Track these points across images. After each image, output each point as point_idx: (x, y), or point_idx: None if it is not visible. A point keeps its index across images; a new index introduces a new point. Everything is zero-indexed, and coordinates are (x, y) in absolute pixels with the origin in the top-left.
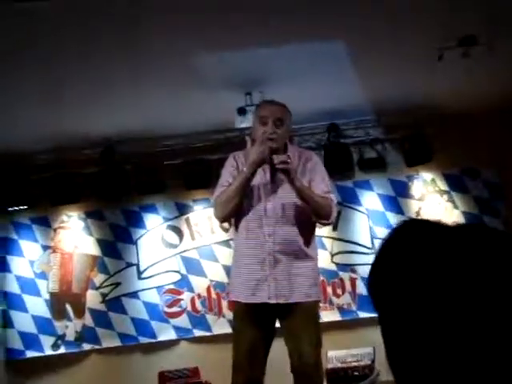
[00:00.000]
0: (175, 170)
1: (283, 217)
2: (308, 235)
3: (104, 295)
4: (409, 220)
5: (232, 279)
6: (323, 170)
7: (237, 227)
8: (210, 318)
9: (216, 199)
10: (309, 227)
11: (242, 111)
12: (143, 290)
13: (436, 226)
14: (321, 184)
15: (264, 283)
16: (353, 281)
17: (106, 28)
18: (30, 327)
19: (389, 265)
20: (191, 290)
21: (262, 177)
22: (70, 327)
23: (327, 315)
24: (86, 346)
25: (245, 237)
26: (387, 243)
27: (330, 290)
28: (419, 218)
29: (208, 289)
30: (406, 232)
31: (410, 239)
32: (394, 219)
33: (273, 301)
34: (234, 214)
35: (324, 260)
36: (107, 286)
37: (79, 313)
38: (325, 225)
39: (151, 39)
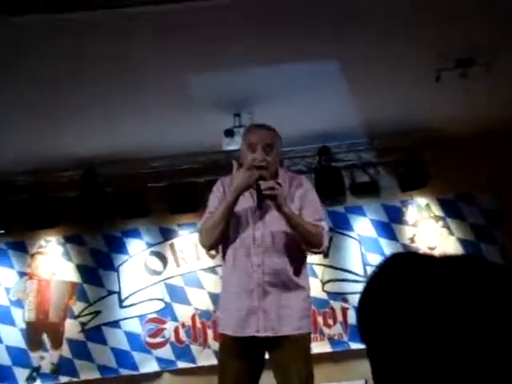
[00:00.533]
0: (159, 193)
1: (272, 246)
2: (299, 264)
3: (83, 324)
4: (399, 252)
5: (220, 310)
6: (315, 196)
7: (224, 256)
8: (194, 348)
9: (201, 226)
10: (299, 256)
11: (229, 133)
12: (125, 319)
13: (425, 259)
14: (312, 211)
15: (253, 315)
16: (344, 310)
17: (89, 47)
18: (4, 359)
19: (377, 297)
20: (175, 319)
21: (250, 203)
22: (47, 359)
23: (317, 346)
24: (63, 379)
25: (232, 266)
26: (376, 275)
27: (320, 319)
28: (412, 245)
29: (193, 318)
30: (395, 264)
31: (399, 272)
32: (387, 246)
33: (261, 334)
34: (219, 242)
35: (315, 288)
36: (86, 314)
37: (56, 343)
38: (316, 253)
39: (136, 58)
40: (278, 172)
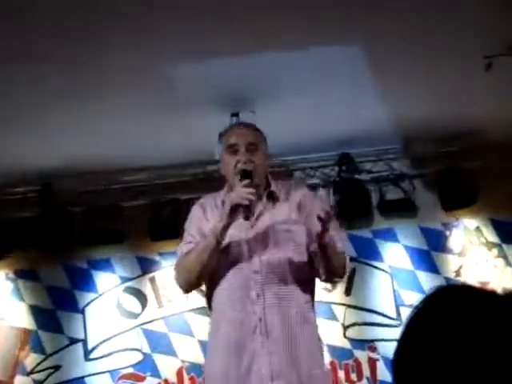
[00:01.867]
0: (137, 213)
1: (274, 270)
2: (306, 294)
3: (39, 383)
4: (445, 286)
5: (209, 359)
6: (317, 200)
7: (213, 287)
8: None
9: (177, 265)
10: (307, 283)
11: None
12: (92, 374)
13: (480, 295)
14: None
15: (255, 361)
16: (372, 362)
17: (46, 34)
18: None
19: (421, 344)
20: (157, 374)
21: (240, 220)
22: None
23: None
24: None
25: (225, 300)
26: (418, 315)
27: (342, 374)
28: (458, 280)
29: (179, 372)
30: (443, 301)
31: (449, 311)
32: (426, 280)
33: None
34: (203, 282)
35: (334, 334)
36: (43, 370)
37: None
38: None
39: (106, 45)
40: (270, 182)
